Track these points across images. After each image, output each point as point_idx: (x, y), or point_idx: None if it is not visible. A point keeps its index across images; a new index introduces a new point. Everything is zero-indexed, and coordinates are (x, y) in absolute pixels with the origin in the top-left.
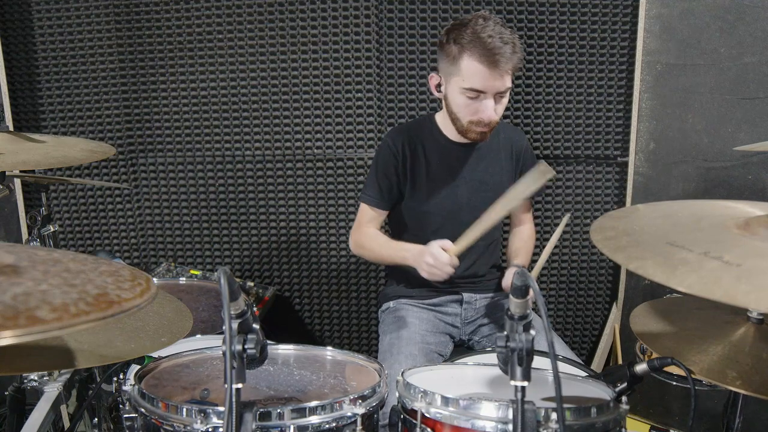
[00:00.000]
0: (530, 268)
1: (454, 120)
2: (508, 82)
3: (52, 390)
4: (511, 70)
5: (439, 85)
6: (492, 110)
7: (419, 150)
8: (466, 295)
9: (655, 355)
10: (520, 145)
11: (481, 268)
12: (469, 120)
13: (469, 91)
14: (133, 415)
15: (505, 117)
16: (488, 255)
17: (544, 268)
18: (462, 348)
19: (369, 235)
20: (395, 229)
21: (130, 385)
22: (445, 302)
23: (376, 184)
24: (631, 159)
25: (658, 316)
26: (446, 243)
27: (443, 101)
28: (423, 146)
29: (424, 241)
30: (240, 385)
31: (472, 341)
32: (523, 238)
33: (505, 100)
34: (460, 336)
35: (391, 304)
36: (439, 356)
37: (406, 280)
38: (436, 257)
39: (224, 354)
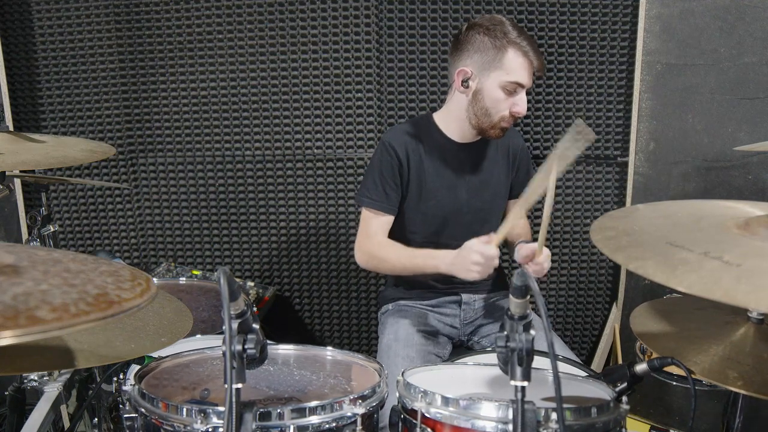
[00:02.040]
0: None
1: (483, 115)
2: None
3: (52, 390)
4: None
5: (465, 81)
6: (525, 104)
7: (419, 150)
8: (464, 296)
9: (655, 355)
10: (516, 145)
11: None
12: (502, 115)
13: (511, 85)
14: (133, 415)
15: None
16: None
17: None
18: (461, 348)
19: (382, 245)
20: (393, 229)
21: (130, 385)
22: (444, 303)
23: (380, 187)
24: (631, 159)
25: (658, 316)
26: (484, 238)
27: (469, 96)
28: (423, 146)
29: (425, 239)
30: (240, 385)
31: (472, 342)
32: (520, 224)
33: None
34: (459, 337)
35: (390, 306)
36: (437, 358)
37: (404, 282)
38: (485, 254)
39: (224, 354)
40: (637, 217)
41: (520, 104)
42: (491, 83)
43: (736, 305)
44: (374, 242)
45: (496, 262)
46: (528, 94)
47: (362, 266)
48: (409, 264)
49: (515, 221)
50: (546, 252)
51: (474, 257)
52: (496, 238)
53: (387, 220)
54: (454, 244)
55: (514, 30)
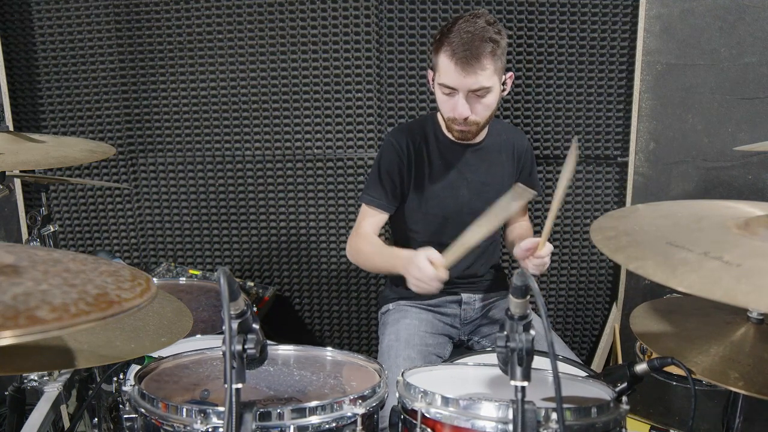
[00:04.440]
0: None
1: (441, 116)
2: (483, 81)
3: (52, 390)
4: (485, 69)
5: (432, 82)
6: (462, 108)
7: (422, 149)
8: (464, 296)
9: (655, 355)
10: (521, 146)
11: (480, 268)
12: (447, 116)
13: (443, 87)
14: (133, 415)
15: (505, 117)
16: (487, 255)
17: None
18: (461, 348)
19: (366, 239)
20: (395, 229)
21: (130, 385)
22: (444, 303)
23: (379, 184)
24: (631, 159)
25: (658, 316)
26: (434, 255)
27: None
28: (426, 146)
29: (424, 238)
30: (240, 386)
31: (472, 341)
32: (522, 226)
33: (487, 100)
34: (459, 336)
35: (390, 306)
36: (438, 358)
37: (404, 282)
38: (422, 270)
39: (224, 354)
40: (637, 217)
41: (456, 108)
42: (436, 84)
43: (736, 305)
44: (360, 237)
45: (435, 284)
46: (528, 94)
47: (351, 261)
48: (379, 260)
49: (461, 254)
50: (548, 246)
51: (413, 270)
52: (445, 262)
53: (380, 218)
54: None
55: (465, 27)
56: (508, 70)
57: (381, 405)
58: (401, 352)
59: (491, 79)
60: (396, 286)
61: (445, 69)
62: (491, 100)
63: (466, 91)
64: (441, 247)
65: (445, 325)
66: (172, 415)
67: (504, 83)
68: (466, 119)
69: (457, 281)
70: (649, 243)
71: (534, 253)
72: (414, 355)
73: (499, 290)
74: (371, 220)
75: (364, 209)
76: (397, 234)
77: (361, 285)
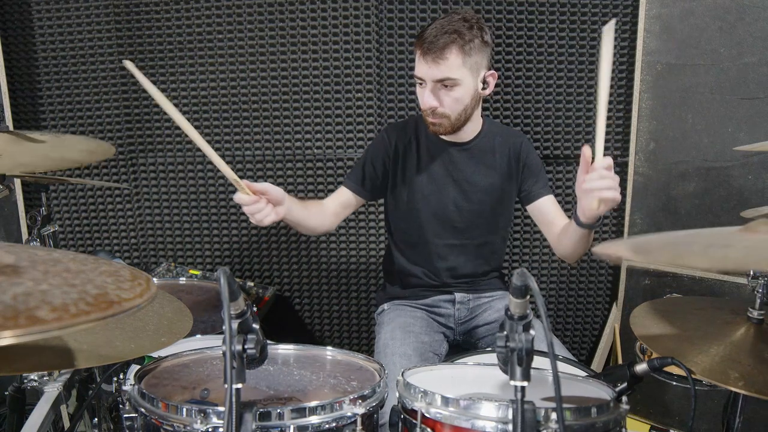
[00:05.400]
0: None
1: None
2: (447, 72)
3: (52, 390)
4: (447, 59)
5: None
6: (428, 98)
7: (411, 146)
8: (458, 295)
9: (655, 355)
10: (517, 147)
11: (475, 268)
12: (422, 109)
13: (417, 79)
14: (133, 415)
15: (505, 117)
16: (485, 257)
17: (545, 274)
18: (458, 349)
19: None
20: (389, 224)
21: (130, 385)
22: (439, 302)
23: (360, 168)
24: (631, 159)
25: (658, 316)
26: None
27: None
28: (416, 143)
29: (412, 235)
30: (240, 385)
31: (468, 343)
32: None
33: (455, 93)
34: (454, 336)
35: (386, 306)
36: (434, 355)
37: (400, 282)
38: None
39: (224, 354)
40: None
41: (422, 98)
42: None
43: (746, 270)
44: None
45: (250, 210)
46: (528, 94)
47: None
48: None
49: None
50: (606, 161)
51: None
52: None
53: (346, 196)
54: (440, 242)
55: (434, 24)
56: (496, 69)
57: (381, 405)
58: (397, 350)
59: (458, 71)
60: (392, 285)
61: (417, 61)
62: (460, 93)
63: (432, 82)
64: (428, 242)
65: (440, 325)
66: (172, 415)
67: (485, 81)
68: (434, 111)
69: (450, 281)
70: (654, 241)
71: (588, 169)
72: (410, 352)
73: (494, 290)
74: (336, 195)
75: (340, 188)
76: (390, 229)
77: (361, 285)
